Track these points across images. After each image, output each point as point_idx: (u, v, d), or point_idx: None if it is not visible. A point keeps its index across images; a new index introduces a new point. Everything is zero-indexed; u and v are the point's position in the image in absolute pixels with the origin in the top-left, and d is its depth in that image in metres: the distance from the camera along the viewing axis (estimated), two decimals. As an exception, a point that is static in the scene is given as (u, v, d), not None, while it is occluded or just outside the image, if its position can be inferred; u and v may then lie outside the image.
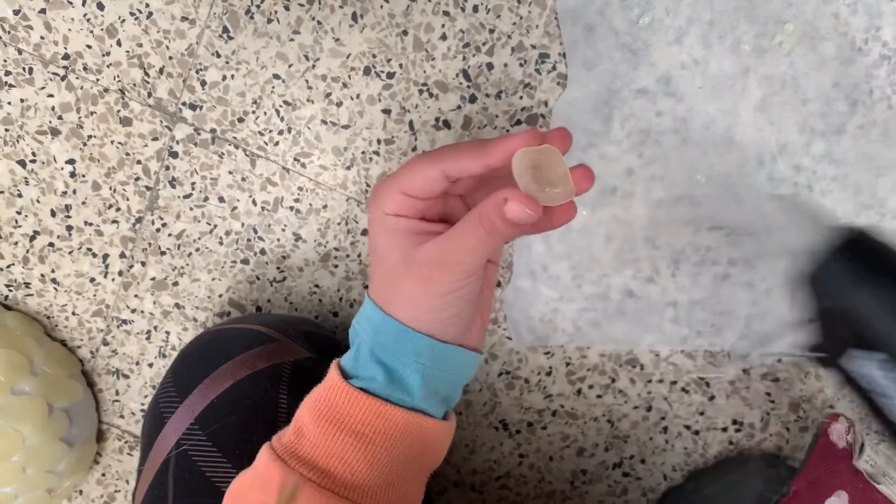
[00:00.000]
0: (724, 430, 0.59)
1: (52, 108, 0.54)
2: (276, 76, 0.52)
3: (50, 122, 0.54)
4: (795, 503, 0.50)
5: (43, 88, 0.53)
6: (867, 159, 0.51)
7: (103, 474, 0.65)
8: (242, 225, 0.56)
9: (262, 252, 0.56)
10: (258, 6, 0.50)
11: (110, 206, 0.56)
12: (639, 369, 0.57)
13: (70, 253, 0.57)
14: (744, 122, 0.50)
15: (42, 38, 0.52)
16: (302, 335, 0.50)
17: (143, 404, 0.62)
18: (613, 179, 0.52)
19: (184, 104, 0.53)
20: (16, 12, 0.51)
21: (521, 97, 0.51)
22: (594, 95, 0.50)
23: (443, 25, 0.50)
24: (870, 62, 0.49)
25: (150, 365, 0.61)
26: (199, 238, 0.56)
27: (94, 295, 0.59)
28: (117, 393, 0.62)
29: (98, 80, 0.53)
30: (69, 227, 0.57)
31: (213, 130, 0.53)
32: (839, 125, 0.50)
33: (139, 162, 0.54)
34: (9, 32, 0.52)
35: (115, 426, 0.63)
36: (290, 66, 0.52)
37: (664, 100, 0.50)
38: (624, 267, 0.54)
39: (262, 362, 0.44)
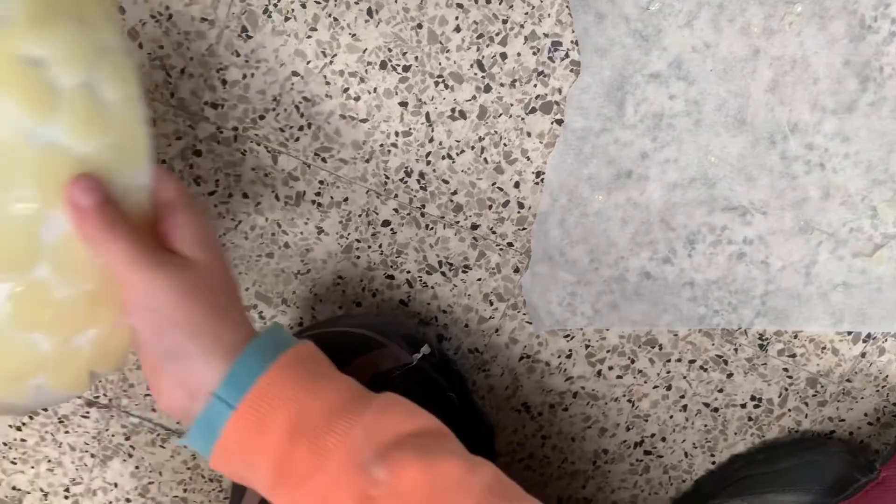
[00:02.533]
0: (743, 406, 0.60)
1: (78, 112, 0.55)
2: (295, 73, 0.53)
3: (76, 125, 0.55)
4: (882, 490, 0.51)
5: (69, 93, 0.54)
6: (879, 135, 0.52)
7: (137, 467, 0.67)
8: (266, 219, 0.57)
9: (286, 245, 0.58)
10: (275, 5, 0.52)
11: (137, 206, 0.57)
12: (658, 349, 0.58)
13: (99, 252, 0.59)
14: (755, 103, 0.51)
15: (66, 43, 0.53)
16: (401, 337, 0.52)
17: (173, 397, 0.64)
18: (628, 163, 0.53)
19: (206, 103, 0.54)
20: (40, 19, 0.53)
21: (535, 85, 0.52)
22: (607, 81, 0.51)
23: (456, 17, 0.51)
24: (879, 39, 0.49)
25: (180, 359, 0.62)
26: (225, 234, 0.58)
27: (124, 292, 0.60)
28: (148, 388, 0.64)
29: (122, 82, 0.54)
30: (98, 227, 0.58)
31: (234, 128, 0.55)
32: (850, 103, 0.51)
33: (164, 161, 0.56)
34: (34, 39, 0.53)
35: (148, 420, 0.64)
36: (308, 62, 0.53)
37: (676, 83, 0.51)
38: (640, 249, 0.55)
39: (387, 363, 0.46)
